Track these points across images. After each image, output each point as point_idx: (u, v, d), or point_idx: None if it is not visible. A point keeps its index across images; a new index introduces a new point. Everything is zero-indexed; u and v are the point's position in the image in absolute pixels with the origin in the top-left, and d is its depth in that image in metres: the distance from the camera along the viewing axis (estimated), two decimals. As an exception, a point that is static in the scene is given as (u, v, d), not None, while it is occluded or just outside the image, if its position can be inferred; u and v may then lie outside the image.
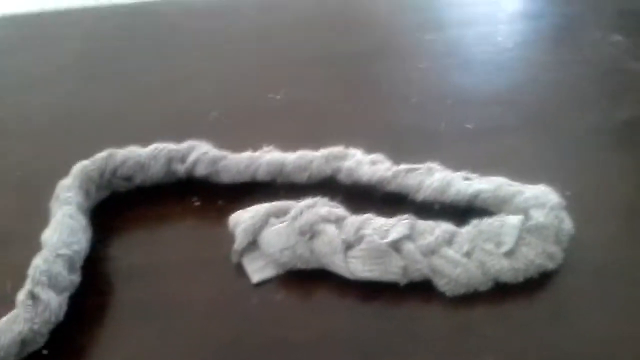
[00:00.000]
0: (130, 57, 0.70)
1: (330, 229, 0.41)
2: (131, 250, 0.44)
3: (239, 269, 0.42)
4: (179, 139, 0.49)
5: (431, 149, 0.51)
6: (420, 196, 0.45)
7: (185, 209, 0.47)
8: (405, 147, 0.51)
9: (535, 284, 0.40)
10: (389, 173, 0.45)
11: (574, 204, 0.43)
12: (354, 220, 0.41)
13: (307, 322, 0.39)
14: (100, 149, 0.48)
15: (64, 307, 0.38)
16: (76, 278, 0.40)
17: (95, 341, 0.38)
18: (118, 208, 0.48)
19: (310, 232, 0.41)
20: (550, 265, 0.40)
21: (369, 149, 0.48)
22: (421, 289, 0.40)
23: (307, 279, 0.41)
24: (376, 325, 0.39)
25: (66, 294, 0.38)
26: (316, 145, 0.48)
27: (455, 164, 0.46)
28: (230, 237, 0.43)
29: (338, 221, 0.41)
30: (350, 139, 0.49)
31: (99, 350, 0.38)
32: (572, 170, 0.50)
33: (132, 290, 0.41)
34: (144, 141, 0.49)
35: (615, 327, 0.38)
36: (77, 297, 0.39)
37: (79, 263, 0.41)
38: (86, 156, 0.47)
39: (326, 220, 0.41)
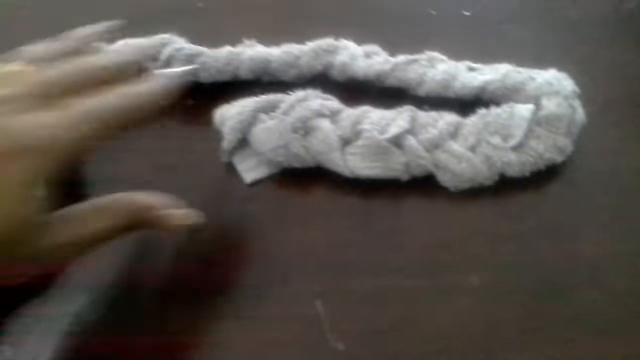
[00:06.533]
0: None
1: (325, 124, 0.39)
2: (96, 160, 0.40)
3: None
4: (142, 31, 0.44)
5: (424, 39, 0.46)
6: (422, 90, 0.42)
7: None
8: (395, 38, 0.46)
9: (543, 178, 0.39)
10: (387, 66, 0.42)
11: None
12: (349, 113, 0.39)
13: (281, 234, 0.37)
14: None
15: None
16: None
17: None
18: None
19: (303, 129, 0.39)
20: (559, 159, 0.39)
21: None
22: (412, 187, 0.39)
23: (291, 182, 0.40)
24: (355, 237, 0.37)
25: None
26: (299, 37, 0.44)
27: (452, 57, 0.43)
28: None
29: (332, 115, 0.39)
30: (334, 30, 0.44)
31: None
32: (578, 62, 0.45)
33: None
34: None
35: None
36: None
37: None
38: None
39: (320, 114, 0.39)
